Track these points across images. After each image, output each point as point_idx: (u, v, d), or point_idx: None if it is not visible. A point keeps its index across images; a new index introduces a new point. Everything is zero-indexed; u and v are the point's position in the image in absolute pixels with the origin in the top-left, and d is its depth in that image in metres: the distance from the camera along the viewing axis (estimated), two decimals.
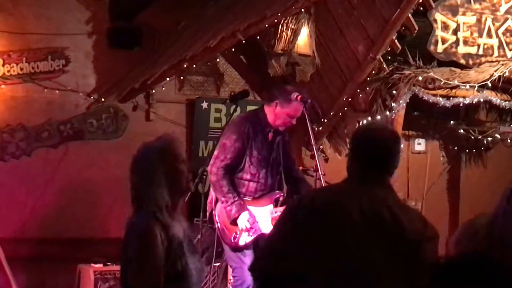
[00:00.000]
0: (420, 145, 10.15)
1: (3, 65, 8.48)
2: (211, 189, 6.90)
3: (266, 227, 6.70)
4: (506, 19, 8.66)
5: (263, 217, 6.75)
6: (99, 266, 7.81)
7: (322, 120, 8.80)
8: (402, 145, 7.61)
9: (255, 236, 6.57)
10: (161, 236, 3.68)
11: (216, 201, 6.80)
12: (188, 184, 4.07)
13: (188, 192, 4.33)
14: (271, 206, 6.85)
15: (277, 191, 6.93)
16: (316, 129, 8.58)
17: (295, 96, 6.89)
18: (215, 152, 6.79)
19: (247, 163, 6.70)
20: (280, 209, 6.67)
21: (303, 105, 6.86)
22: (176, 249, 3.74)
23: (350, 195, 3.68)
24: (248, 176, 6.71)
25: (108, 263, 7.89)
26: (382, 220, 3.57)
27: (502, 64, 8.57)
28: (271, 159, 6.79)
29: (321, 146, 9.01)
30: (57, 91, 8.74)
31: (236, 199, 6.51)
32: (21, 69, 8.57)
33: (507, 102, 8.81)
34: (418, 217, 3.80)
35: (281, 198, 6.97)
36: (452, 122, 9.40)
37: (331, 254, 3.56)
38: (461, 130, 9.49)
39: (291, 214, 3.82)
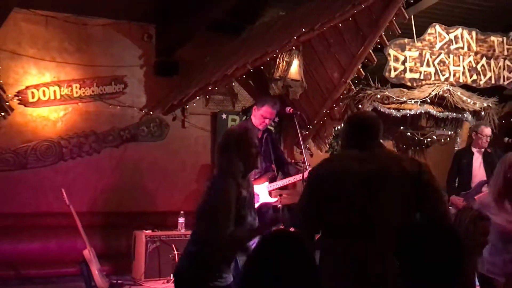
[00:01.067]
0: None
1: (79, 89, 8.58)
2: None
3: (264, 197, 6.80)
4: (440, 53, 8.65)
5: (261, 190, 6.80)
6: (148, 231, 7.79)
7: (308, 126, 8.81)
8: None
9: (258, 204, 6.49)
10: (233, 190, 3.70)
11: None
12: (255, 162, 4.01)
13: (255, 168, 4.26)
14: (267, 183, 6.90)
15: (269, 172, 6.99)
16: (303, 133, 8.52)
17: (288, 109, 7.10)
18: None
19: None
20: (273, 184, 6.90)
21: (289, 110, 7.02)
22: (242, 200, 3.75)
23: (355, 158, 3.58)
24: None
25: (155, 230, 7.88)
26: (388, 167, 3.52)
27: (437, 86, 8.59)
28: (262, 151, 6.75)
29: (307, 145, 8.94)
30: (118, 107, 8.85)
31: None
32: (93, 91, 8.67)
33: (440, 113, 8.78)
34: (412, 159, 3.83)
35: (271, 177, 6.98)
36: (401, 127, 9.25)
37: (344, 196, 3.49)
38: (408, 133, 9.36)
39: (308, 182, 3.81)
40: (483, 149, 8.16)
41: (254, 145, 4.03)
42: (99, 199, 8.64)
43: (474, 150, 8.21)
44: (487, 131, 8.14)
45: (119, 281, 7.41)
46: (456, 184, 8.21)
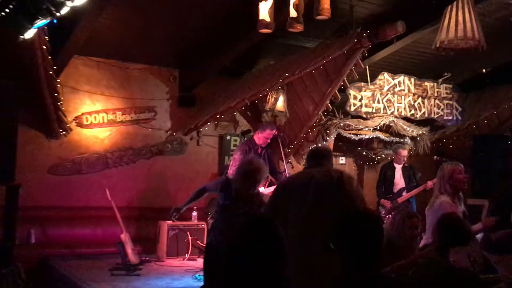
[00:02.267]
0: (342, 160, 10.05)
1: (121, 115, 8.55)
2: None
3: None
4: (387, 94, 8.63)
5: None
6: (170, 222, 7.70)
7: (290, 146, 8.66)
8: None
9: None
10: None
11: None
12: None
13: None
14: (263, 187, 6.78)
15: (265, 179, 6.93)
16: (286, 150, 8.50)
17: (274, 131, 7.07)
18: (231, 162, 6.93)
19: None
20: (268, 188, 6.81)
21: (274, 133, 7.01)
22: None
23: (313, 172, 3.71)
24: None
25: (175, 221, 7.45)
26: (329, 180, 3.61)
27: (385, 117, 8.57)
28: None
29: (289, 160, 8.77)
30: (150, 129, 8.80)
31: None
32: (131, 117, 8.64)
33: (387, 137, 8.79)
34: (341, 172, 3.83)
35: (267, 183, 6.94)
36: (359, 148, 9.27)
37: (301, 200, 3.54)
38: (364, 152, 9.36)
39: (276, 189, 3.94)
40: (401, 164, 8.22)
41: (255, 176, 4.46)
42: (134, 197, 8.58)
43: (396, 165, 8.29)
44: (404, 152, 8.30)
45: (147, 258, 7.34)
46: (383, 190, 8.27)
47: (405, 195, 8.03)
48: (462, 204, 4.68)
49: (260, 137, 6.90)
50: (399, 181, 8.23)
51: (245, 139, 8.13)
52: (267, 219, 2.29)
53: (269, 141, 6.99)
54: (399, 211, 4.42)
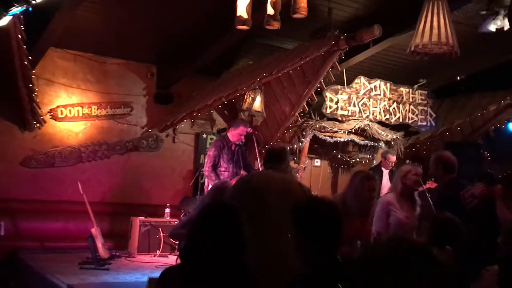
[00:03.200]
0: (317, 163, 10.02)
1: (97, 109, 8.48)
2: (206, 180, 6.92)
3: None
4: (363, 98, 8.76)
5: None
6: (142, 218, 7.74)
7: (266, 146, 8.67)
8: (306, 161, 7.58)
9: None
10: None
11: (208, 186, 6.77)
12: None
13: None
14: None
15: (239, 175, 6.81)
16: (262, 151, 8.59)
17: (249, 129, 7.08)
18: (205, 159, 6.92)
19: (222, 162, 6.75)
20: None
21: (249, 131, 7.02)
22: None
23: (270, 175, 3.70)
24: (223, 169, 6.75)
25: (147, 217, 7.82)
26: (290, 187, 3.61)
27: (360, 121, 8.69)
28: (234, 159, 6.81)
29: None
30: (125, 125, 8.75)
31: None
32: (107, 112, 8.58)
33: (362, 141, 8.91)
34: (297, 182, 3.88)
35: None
36: (334, 151, 9.34)
37: (262, 206, 3.52)
38: (339, 155, 9.44)
39: (235, 186, 3.91)
40: (389, 169, 8.26)
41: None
42: (107, 192, 8.51)
43: (383, 169, 8.29)
44: (393, 158, 8.27)
45: (117, 253, 7.28)
46: None
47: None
48: (418, 208, 4.69)
49: (234, 134, 6.91)
50: (386, 185, 8.25)
51: (218, 137, 8.11)
52: (228, 205, 2.31)
53: (243, 138, 6.99)
54: (356, 173, 4.39)
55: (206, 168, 6.73)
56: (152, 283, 4.73)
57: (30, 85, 7.26)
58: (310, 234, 2.30)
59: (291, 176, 3.81)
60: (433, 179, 6.61)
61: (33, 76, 7.36)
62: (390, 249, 1.27)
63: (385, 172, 8.26)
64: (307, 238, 2.30)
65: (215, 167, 6.74)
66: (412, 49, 5.89)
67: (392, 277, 1.22)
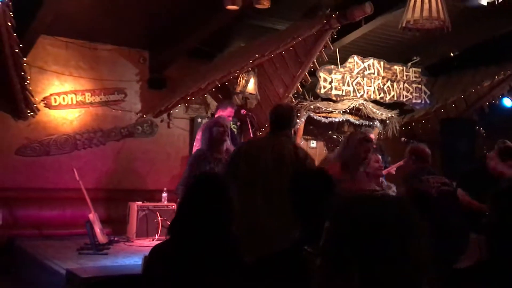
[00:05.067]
0: (313, 144, 9.89)
1: (90, 96, 8.45)
2: None
3: None
4: (357, 77, 8.77)
5: None
6: (139, 203, 7.75)
7: (261, 129, 8.69)
8: (301, 142, 7.56)
9: None
10: None
11: None
12: None
13: None
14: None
15: None
16: (257, 133, 8.61)
17: (242, 111, 7.12)
18: (194, 143, 6.96)
19: None
20: None
21: (243, 112, 7.02)
22: None
23: (266, 142, 3.71)
24: None
25: (145, 201, 7.83)
26: (283, 154, 3.58)
27: (355, 100, 8.72)
28: None
29: None
30: (120, 111, 8.73)
31: None
32: (100, 99, 8.55)
33: (357, 120, 8.93)
34: (303, 150, 3.88)
35: None
36: (329, 131, 9.39)
37: (253, 173, 3.51)
38: (335, 136, 9.44)
39: (232, 155, 3.92)
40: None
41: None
42: (103, 179, 8.53)
43: None
44: (372, 136, 8.22)
45: (116, 238, 7.32)
46: None
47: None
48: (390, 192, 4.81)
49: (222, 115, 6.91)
50: None
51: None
52: (216, 177, 2.34)
53: (230, 119, 7.04)
54: (353, 134, 4.46)
55: (195, 149, 6.71)
56: None
57: (22, 73, 7.23)
58: (306, 205, 2.33)
59: (288, 142, 3.75)
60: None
61: (25, 65, 7.32)
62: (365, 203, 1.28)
63: None
64: (303, 211, 2.34)
65: None
66: (404, 25, 5.91)
67: (366, 234, 1.20)
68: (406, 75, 9.39)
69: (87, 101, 8.47)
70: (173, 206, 7.83)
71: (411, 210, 1.26)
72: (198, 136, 6.85)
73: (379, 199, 1.34)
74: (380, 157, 4.88)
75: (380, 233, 1.18)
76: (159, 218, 7.60)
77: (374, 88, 9.02)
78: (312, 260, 2.10)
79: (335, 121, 8.90)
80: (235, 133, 7.46)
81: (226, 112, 6.93)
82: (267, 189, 3.45)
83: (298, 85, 8.26)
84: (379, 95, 9.06)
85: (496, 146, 5.26)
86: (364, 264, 1.18)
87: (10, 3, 5.83)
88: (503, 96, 9.40)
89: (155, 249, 2.30)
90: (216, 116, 7.03)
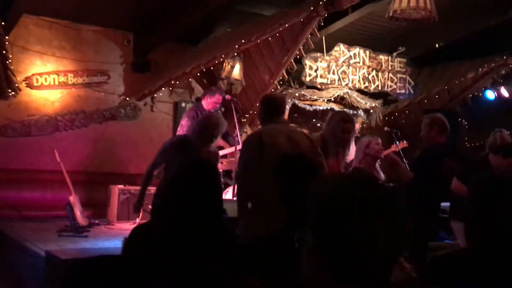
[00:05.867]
0: None
1: (73, 77, 8.37)
2: None
3: None
4: (342, 65, 8.79)
5: None
6: (121, 186, 7.77)
7: (246, 115, 8.79)
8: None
9: None
10: None
11: None
12: None
13: None
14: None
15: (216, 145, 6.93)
16: (242, 120, 8.67)
17: (227, 97, 7.11)
18: (178, 128, 6.90)
19: None
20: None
21: (227, 97, 7.02)
22: None
23: (279, 128, 3.65)
24: None
25: (126, 185, 7.85)
26: (298, 141, 3.55)
27: (339, 89, 8.75)
28: None
29: (245, 130, 8.82)
30: (103, 93, 8.66)
31: None
32: (83, 80, 8.47)
33: (341, 109, 9.00)
34: (305, 135, 3.90)
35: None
36: (314, 119, 9.35)
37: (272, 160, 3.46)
38: (319, 124, 9.40)
39: (247, 142, 3.88)
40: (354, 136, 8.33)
41: None
42: (85, 161, 8.47)
43: None
44: (356, 125, 8.21)
45: (96, 222, 7.31)
46: None
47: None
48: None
49: (209, 102, 6.92)
50: (351, 151, 8.33)
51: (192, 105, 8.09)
52: (206, 163, 2.33)
53: (218, 106, 7.03)
54: (336, 112, 4.49)
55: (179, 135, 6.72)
56: None
57: (4, 51, 7.13)
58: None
59: (296, 128, 3.78)
60: (404, 141, 6.76)
61: (7, 43, 7.22)
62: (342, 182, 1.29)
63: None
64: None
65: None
66: (391, 14, 5.95)
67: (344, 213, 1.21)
68: (391, 65, 9.43)
69: (70, 82, 8.38)
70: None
71: (381, 189, 1.27)
72: (183, 121, 6.84)
73: (350, 179, 1.34)
74: (380, 140, 4.96)
75: (347, 214, 1.19)
76: None
77: (359, 77, 9.05)
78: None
79: (319, 109, 8.91)
80: None
81: (214, 99, 6.91)
82: (283, 176, 3.42)
83: (283, 72, 8.25)
84: (363, 84, 9.10)
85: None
86: (333, 246, 1.19)
87: None
88: (486, 88, 9.50)
89: (136, 229, 2.29)
90: (203, 101, 7.00)
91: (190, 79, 8.73)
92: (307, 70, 8.50)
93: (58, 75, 8.28)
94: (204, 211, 2.15)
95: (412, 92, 9.59)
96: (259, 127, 8.97)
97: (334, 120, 4.30)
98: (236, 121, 7.15)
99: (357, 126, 8.41)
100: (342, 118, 4.29)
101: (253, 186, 3.49)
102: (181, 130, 6.72)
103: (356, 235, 1.19)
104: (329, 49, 8.73)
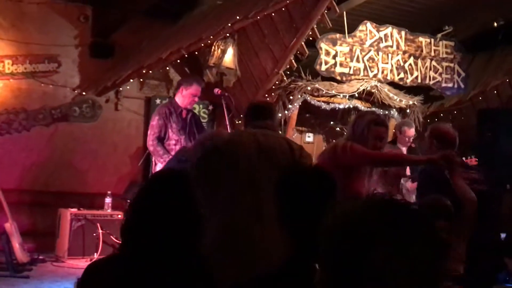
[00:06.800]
0: (309, 137, 10.05)
1: (11, 65, 8.37)
2: (153, 159, 7.09)
3: None
4: (370, 50, 8.80)
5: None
6: (74, 210, 7.75)
7: (241, 115, 8.77)
8: (294, 134, 7.63)
9: None
10: None
11: (155, 165, 6.96)
12: None
13: None
14: None
15: None
16: (236, 121, 8.66)
17: (216, 91, 7.12)
18: (148, 131, 7.02)
19: (170, 133, 6.87)
20: None
21: (217, 92, 7.08)
22: None
23: (248, 135, 3.63)
24: (173, 142, 6.86)
25: (81, 208, 7.84)
26: (272, 149, 3.51)
27: (366, 81, 8.72)
28: (187, 129, 6.92)
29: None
30: (51, 86, 8.63)
31: (170, 157, 6.54)
32: (25, 68, 8.47)
33: (368, 108, 8.89)
34: (286, 141, 3.82)
35: None
36: (331, 122, 9.39)
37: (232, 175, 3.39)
38: (338, 128, 9.47)
39: (201, 153, 3.70)
40: (407, 146, 8.29)
41: None
42: (27, 177, 8.47)
43: (400, 146, 8.31)
44: (411, 132, 8.19)
45: (40, 257, 7.30)
46: None
47: (410, 185, 8.08)
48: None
49: (186, 95, 6.99)
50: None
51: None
52: (177, 174, 2.33)
53: (196, 100, 7.13)
54: (364, 113, 4.49)
55: (150, 142, 6.89)
56: None
57: None
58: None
59: (278, 134, 3.78)
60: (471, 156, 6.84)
61: None
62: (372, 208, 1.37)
63: (403, 150, 8.30)
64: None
65: (161, 140, 6.87)
66: None
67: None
68: (435, 50, 9.44)
69: (7, 71, 8.39)
70: (119, 216, 7.84)
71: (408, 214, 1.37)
72: (153, 121, 6.92)
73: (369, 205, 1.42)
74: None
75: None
76: (100, 231, 7.61)
77: (392, 66, 9.06)
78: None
79: (339, 108, 8.93)
80: (206, 120, 7.48)
81: (190, 90, 6.95)
82: (253, 195, 3.42)
83: (291, 58, 8.28)
84: (398, 75, 9.11)
85: None
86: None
87: None
88: None
89: (90, 268, 2.28)
90: (176, 96, 7.05)
91: (167, 68, 8.76)
92: (323, 57, 8.50)
93: None
94: (174, 242, 2.18)
95: (462, 85, 9.60)
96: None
97: (362, 123, 4.30)
98: (227, 122, 7.14)
99: (412, 132, 8.38)
100: (373, 120, 4.29)
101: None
102: (152, 132, 6.86)
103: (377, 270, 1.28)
104: (352, 29, 8.75)
